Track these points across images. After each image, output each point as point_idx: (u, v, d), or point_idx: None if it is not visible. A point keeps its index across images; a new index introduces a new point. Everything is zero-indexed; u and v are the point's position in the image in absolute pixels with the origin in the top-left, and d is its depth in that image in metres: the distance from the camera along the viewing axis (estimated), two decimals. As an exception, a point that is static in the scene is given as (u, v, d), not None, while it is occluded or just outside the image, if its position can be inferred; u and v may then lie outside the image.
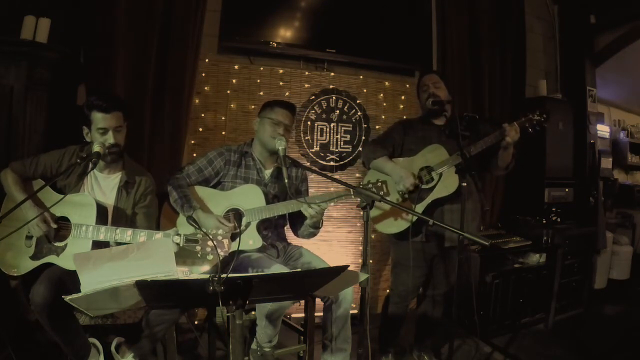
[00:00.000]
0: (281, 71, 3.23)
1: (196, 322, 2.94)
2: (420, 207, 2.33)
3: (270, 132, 2.19)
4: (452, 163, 2.32)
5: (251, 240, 2.12)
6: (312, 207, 2.06)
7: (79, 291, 1.26)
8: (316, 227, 2.22)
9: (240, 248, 2.10)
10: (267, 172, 2.29)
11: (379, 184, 2.02)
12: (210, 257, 1.81)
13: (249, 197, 2.16)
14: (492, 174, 2.56)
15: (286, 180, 2.01)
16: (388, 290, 2.60)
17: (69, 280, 1.67)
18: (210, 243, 1.75)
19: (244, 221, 2.13)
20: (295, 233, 2.37)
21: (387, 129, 2.70)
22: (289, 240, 2.40)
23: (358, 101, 3.40)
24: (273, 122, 2.20)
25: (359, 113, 3.40)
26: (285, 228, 2.40)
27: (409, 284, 2.44)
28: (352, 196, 2.10)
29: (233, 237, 2.08)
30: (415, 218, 2.30)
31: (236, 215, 2.16)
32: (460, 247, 2.18)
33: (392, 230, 2.38)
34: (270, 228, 2.28)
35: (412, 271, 2.38)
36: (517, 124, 2.28)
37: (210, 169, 2.24)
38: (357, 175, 3.38)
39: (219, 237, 1.76)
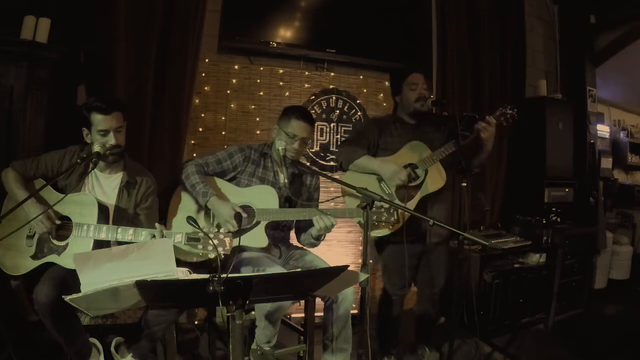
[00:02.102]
0: (281, 71, 3.23)
1: (196, 322, 2.94)
2: (410, 205, 2.30)
3: (286, 145, 2.19)
4: (438, 157, 2.32)
5: (258, 238, 2.13)
6: (323, 220, 2.06)
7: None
8: (318, 239, 2.24)
9: (245, 244, 2.13)
10: (283, 176, 2.30)
11: (392, 210, 2.04)
12: (212, 255, 1.82)
13: (263, 197, 2.18)
14: (470, 170, 2.54)
15: (285, 181, 2.03)
16: (381, 292, 2.58)
17: (72, 280, 1.67)
18: (214, 239, 1.76)
19: (255, 218, 2.15)
20: (298, 239, 2.38)
21: (359, 128, 2.66)
22: (291, 242, 2.41)
23: (358, 101, 3.40)
24: (289, 137, 2.19)
25: (359, 113, 3.40)
26: (291, 231, 2.42)
27: (399, 283, 2.44)
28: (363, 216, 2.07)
29: (236, 235, 2.09)
30: (405, 220, 2.27)
31: (237, 215, 2.16)
32: (460, 247, 2.18)
33: (384, 233, 2.31)
34: (278, 229, 2.30)
35: (401, 272, 2.37)
36: (493, 117, 2.32)
37: (229, 162, 2.26)
38: (357, 175, 3.37)
39: (221, 236, 1.77)
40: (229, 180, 2.28)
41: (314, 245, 2.32)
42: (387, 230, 2.30)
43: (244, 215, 2.10)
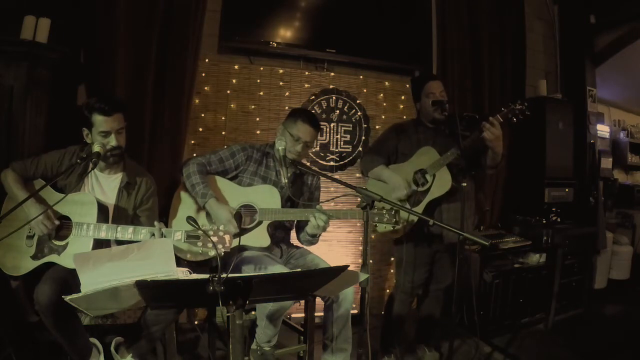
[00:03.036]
0: (281, 71, 3.23)
1: (196, 322, 2.94)
2: (418, 210, 2.35)
3: (289, 146, 2.20)
4: (444, 162, 2.35)
5: (260, 238, 2.14)
6: (318, 220, 2.07)
7: (82, 291, 1.27)
8: (314, 237, 2.25)
9: (247, 244, 2.14)
10: (284, 176, 2.29)
11: (393, 212, 2.08)
12: (211, 253, 1.82)
13: (265, 197, 2.19)
14: (483, 172, 2.57)
15: (285, 181, 2.02)
16: (388, 290, 2.60)
17: (72, 280, 1.67)
18: (214, 238, 1.76)
19: (256, 218, 2.15)
20: (297, 237, 2.39)
21: (381, 136, 2.73)
22: (291, 243, 2.41)
23: (358, 101, 3.40)
24: (293, 139, 2.20)
25: (359, 113, 3.40)
26: (291, 231, 2.42)
27: (415, 280, 2.50)
28: (376, 219, 2.12)
29: (240, 234, 2.09)
30: (415, 221, 2.32)
31: (237, 215, 2.16)
32: (460, 247, 2.19)
33: (393, 236, 2.42)
34: (280, 229, 2.31)
35: (417, 269, 2.46)
36: (500, 116, 2.30)
37: (231, 161, 2.26)
38: (357, 175, 3.38)
39: (220, 234, 1.77)
40: (231, 179, 2.28)
41: (311, 243, 2.33)
42: (395, 234, 2.37)
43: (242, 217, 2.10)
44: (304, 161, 3.22)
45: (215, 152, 2.29)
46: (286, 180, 2.02)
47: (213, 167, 2.24)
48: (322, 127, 3.32)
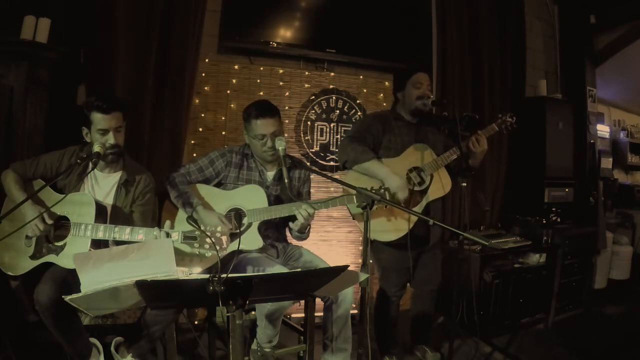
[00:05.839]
0: (281, 71, 3.23)
1: (196, 322, 2.94)
2: (416, 211, 2.30)
3: (260, 147, 2.15)
4: (443, 163, 2.32)
5: (252, 240, 2.11)
6: (301, 212, 2.02)
7: (82, 291, 1.27)
8: (302, 232, 2.18)
9: (240, 248, 2.10)
10: (270, 174, 2.28)
11: (382, 191, 2.03)
12: (208, 254, 1.81)
13: (251, 198, 2.15)
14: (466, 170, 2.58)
15: (286, 181, 1.99)
16: (377, 293, 2.57)
17: (73, 280, 1.67)
18: (208, 240, 1.75)
19: (245, 221, 2.12)
20: (290, 232, 2.36)
21: (362, 123, 2.60)
22: (288, 241, 2.39)
23: (358, 101, 3.40)
24: (258, 140, 2.13)
25: (359, 113, 3.40)
26: (285, 229, 2.39)
27: (402, 283, 2.46)
28: (355, 201, 2.08)
29: (233, 237, 2.07)
30: (412, 224, 2.29)
31: (236, 215, 2.15)
32: (460, 247, 2.19)
33: (390, 238, 2.30)
34: (271, 228, 2.27)
35: (398, 274, 2.41)
36: (496, 125, 2.39)
37: (211, 169, 2.22)
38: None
39: (218, 235, 1.76)
40: (215, 186, 2.24)
41: (300, 239, 2.27)
42: (392, 235, 2.30)
43: (230, 223, 2.07)
44: (303, 161, 3.24)
45: (195, 161, 2.24)
46: (287, 181, 2.01)
47: (193, 177, 2.19)
48: (322, 127, 3.32)
